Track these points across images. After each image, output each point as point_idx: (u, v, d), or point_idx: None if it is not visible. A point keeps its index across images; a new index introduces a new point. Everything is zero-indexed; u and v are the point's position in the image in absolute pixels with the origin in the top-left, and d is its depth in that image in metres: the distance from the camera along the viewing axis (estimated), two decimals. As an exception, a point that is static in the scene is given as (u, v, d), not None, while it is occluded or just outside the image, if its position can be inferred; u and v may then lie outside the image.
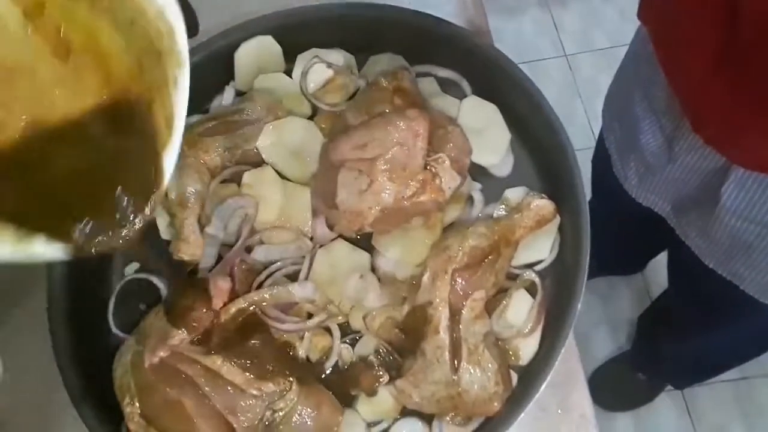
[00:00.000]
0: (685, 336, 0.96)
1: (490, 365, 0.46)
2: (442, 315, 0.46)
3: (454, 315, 0.47)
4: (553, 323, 0.48)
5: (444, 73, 0.62)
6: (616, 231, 0.87)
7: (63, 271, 0.54)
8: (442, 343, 0.46)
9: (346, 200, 0.51)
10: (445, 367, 0.45)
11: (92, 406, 0.48)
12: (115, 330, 0.55)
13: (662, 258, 1.01)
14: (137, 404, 0.46)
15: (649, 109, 0.65)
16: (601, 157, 0.79)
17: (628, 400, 1.28)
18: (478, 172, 0.57)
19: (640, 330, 1.26)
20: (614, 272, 1.33)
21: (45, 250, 0.33)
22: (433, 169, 0.51)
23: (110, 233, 0.35)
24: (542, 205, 0.50)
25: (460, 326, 0.46)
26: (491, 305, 0.50)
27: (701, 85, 0.52)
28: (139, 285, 0.57)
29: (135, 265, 0.58)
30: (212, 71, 0.62)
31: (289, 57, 0.63)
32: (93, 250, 0.34)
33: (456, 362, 0.45)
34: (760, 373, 1.29)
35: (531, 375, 0.47)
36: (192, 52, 0.61)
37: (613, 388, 1.25)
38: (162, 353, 0.47)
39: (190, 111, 0.62)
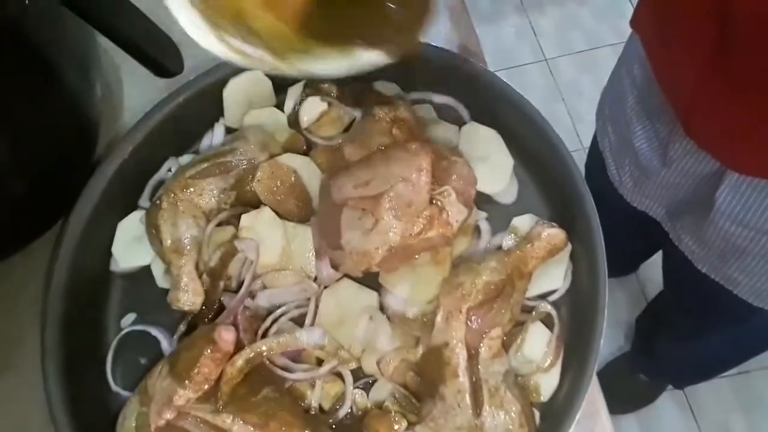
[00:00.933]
0: (682, 337, 0.96)
1: (513, 406, 0.44)
2: (459, 357, 0.45)
3: (472, 355, 0.45)
4: (574, 355, 0.47)
5: (440, 99, 0.61)
6: (610, 234, 0.87)
7: (56, 328, 0.51)
8: (462, 386, 0.44)
9: (351, 241, 0.49)
10: (466, 412, 0.44)
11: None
12: (115, 388, 0.52)
13: (656, 258, 1.01)
14: (145, 471, 0.44)
15: (643, 113, 0.65)
16: (595, 161, 0.79)
17: (630, 402, 1.28)
18: (482, 200, 0.55)
19: (639, 331, 1.26)
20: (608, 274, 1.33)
21: (370, 57, 0.36)
22: (439, 203, 0.50)
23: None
24: (554, 234, 0.49)
25: (479, 367, 0.45)
26: (507, 341, 0.48)
27: (694, 92, 0.52)
28: (137, 337, 0.55)
29: (131, 316, 0.56)
30: (201, 109, 0.60)
31: (280, 90, 0.61)
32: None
33: (477, 406, 0.44)
34: (760, 366, 1.30)
35: (556, 413, 0.46)
36: (178, 91, 0.60)
37: (615, 390, 1.24)
38: (168, 415, 0.44)
39: (181, 151, 0.62)
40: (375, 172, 0.50)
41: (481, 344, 0.46)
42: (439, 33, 0.64)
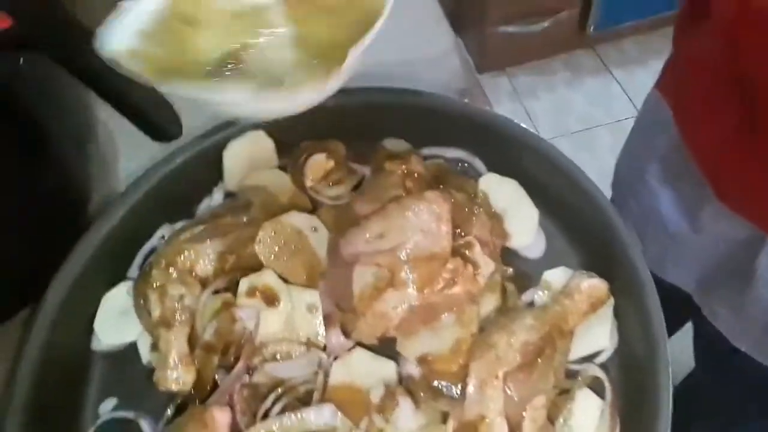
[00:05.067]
0: (721, 425, 0.87)
1: (569, 492, 0.36)
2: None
3: (515, 429, 0.38)
4: (635, 428, 0.40)
5: (453, 153, 0.57)
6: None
7: (21, 415, 0.44)
8: (505, 468, 0.37)
9: (365, 301, 0.43)
10: (514, 501, 0.36)
11: None
12: (88, 488, 0.44)
13: (681, 335, 0.94)
14: None
15: (669, 179, 0.62)
16: None
17: None
18: (507, 255, 0.50)
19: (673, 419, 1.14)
20: None
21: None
22: (463, 256, 0.44)
23: None
24: (595, 285, 0.43)
25: (524, 444, 0.37)
26: (552, 413, 0.41)
27: (723, 155, 0.50)
28: (117, 426, 0.47)
29: (112, 401, 0.49)
30: (198, 173, 0.57)
31: (283, 151, 0.58)
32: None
33: (527, 492, 0.36)
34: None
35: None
36: (174, 153, 0.57)
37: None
38: None
39: (176, 217, 0.57)
40: (389, 223, 0.45)
41: (524, 416, 0.38)
42: (439, 81, 0.61)
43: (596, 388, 0.43)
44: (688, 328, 0.82)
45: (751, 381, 0.66)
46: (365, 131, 0.57)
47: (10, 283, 0.51)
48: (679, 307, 0.67)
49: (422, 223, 0.44)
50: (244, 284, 0.49)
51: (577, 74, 1.83)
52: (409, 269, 0.43)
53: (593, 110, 1.77)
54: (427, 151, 0.57)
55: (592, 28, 1.74)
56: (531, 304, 0.47)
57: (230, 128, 0.57)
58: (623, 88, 1.81)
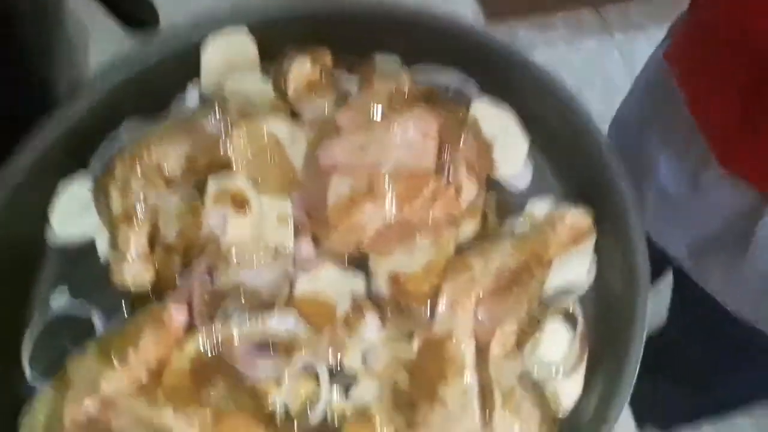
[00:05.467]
0: (688, 380, 0.88)
1: (530, 415, 0.35)
2: (466, 351, 0.36)
3: (481, 352, 0.37)
4: (603, 366, 0.39)
5: (446, 76, 0.54)
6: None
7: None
8: (468, 387, 0.35)
9: (339, 212, 0.41)
10: (473, 419, 0.35)
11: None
12: (30, 378, 0.42)
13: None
14: (52, 480, 0.33)
15: (667, 143, 0.60)
16: None
17: None
18: (491, 185, 0.48)
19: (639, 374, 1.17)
20: None
21: None
22: (447, 177, 0.42)
23: None
24: (579, 217, 0.42)
25: (489, 366, 0.36)
26: (520, 340, 0.40)
27: (731, 120, 0.50)
28: (68, 320, 0.45)
29: (64, 294, 0.46)
30: (173, 69, 0.53)
31: (266, 56, 0.54)
32: None
33: (488, 411, 0.35)
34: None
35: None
36: (148, 46, 0.53)
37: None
38: (90, 404, 0.34)
39: (145, 113, 0.53)
40: (372, 136, 0.43)
41: (492, 339, 0.37)
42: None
43: (568, 320, 0.42)
44: (659, 289, 0.83)
45: (730, 341, 0.67)
46: (354, 44, 0.54)
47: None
48: (657, 269, 0.67)
49: (408, 137, 0.42)
50: (213, 185, 0.46)
51: (578, 34, 1.79)
52: (390, 183, 0.41)
53: (589, 72, 1.74)
54: (418, 70, 0.54)
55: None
56: (510, 233, 0.46)
57: (211, 23, 0.53)
58: (621, 53, 1.78)
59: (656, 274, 0.93)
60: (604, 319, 0.42)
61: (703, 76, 0.53)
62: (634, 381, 0.36)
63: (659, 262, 0.66)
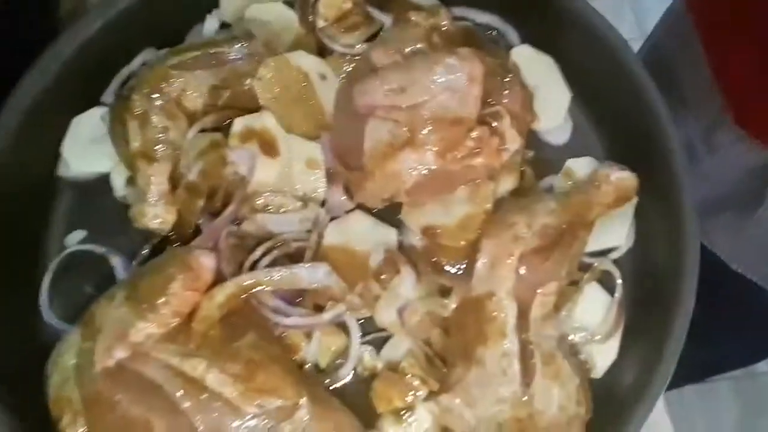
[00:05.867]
0: (689, 338, 0.90)
1: (570, 379, 0.35)
2: (508, 312, 0.35)
3: (522, 314, 0.36)
4: (643, 335, 0.38)
5: (484, 17, 0.50)
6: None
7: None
8: (509, 349, 0.35)
9: (376, 159, 0.39)
10: (513, 381, 0.34)
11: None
12: (49, 319, 0.41)
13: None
14: (83, 424, 0.33)
15: (683, 99, 0.58)
16: None
17: None
18: (528, 138, 0.45)
19: None
20: None
21: None
22: (490, 126, 0.40)
23: None
24: (625, 177, 0.40)
25: (530, 329, 0.35)
26: (558, 302, 0.39)
27: (750, 78, 0.48)
28: (84, 261, 0.43)
29: (79, 234, 0.44)
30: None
31: (291, -15, 0.50)
32: None
33: (528, 375, 0.34)
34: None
35: (615, 399, 0.37)
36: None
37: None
38: (121, 353, 0.33)
39: (161, 42, 0.50)
40: (413, 76, 0.40)
41: (533, 300, 0.36)
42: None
43: (606, 284, 0.41)
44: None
45: (733, 300, 0.67)
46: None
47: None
48: None
49: (451, 80, 0.39)
50: (238, 124, 0.43)
51: None
52: (431, 130, 0.39)
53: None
54: (456, 11, 0.51)
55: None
56: (548, 191, 0.44)
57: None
58: (632, 8, 1.71)
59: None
60: (645, 286, 0.41)
61: (724, 30, 0.51)
62: (680, 350, 0.36)
63: None
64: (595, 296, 0.40)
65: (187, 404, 0.32)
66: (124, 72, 0.48)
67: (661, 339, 0.36)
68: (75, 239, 0.44)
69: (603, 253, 0.42)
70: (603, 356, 0.39)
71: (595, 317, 0.39)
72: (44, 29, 0.49)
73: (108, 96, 0.48)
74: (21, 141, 0.43)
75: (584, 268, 0.41)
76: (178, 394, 0.33)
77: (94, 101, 0.47)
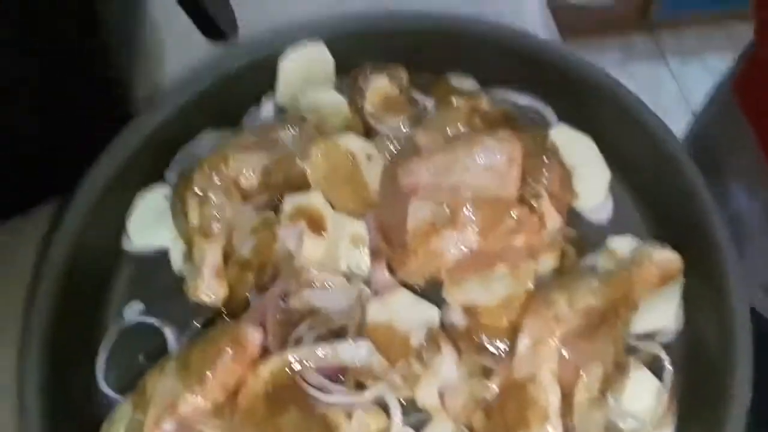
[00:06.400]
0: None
1: (617, 470, 0.34)
2: (550, 395, 0.35)
3: (565, 398, 0.35)
4: (697, 424, 0.37)
5: (522, 99, 0.52)
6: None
7: (44, 309, 0.42)
8: (553, 434, 0.34)
9: (419, 237, 0.40)
10: (557, 470, 0.33)
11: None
12: (105, 389, 0.42)
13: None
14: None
15: (740, 173, 0.58)
16: None
17: None
18: (569, 217, 0.46)
19: None
20: None
21: None
22: (531, 205, 0.41)
23: None
24: (668, 257, 0.40)
25: (575, 414, 0.35)
26: (604, 387, 0.38)
27: None
28: (140, 333, 0.45)
29: (137, 306, 0.47)
30: (250, 80, 0.53)
31: (341, 70, 0.54)
32: None
33: (573, 464, 0.33)
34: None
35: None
36: (229, 55, 0.53)
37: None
38: (169, 425, 0.34)
39: (220, 123, 0.54)
40: (455, 158, 0.42)
41: (578, 384, 0.36)
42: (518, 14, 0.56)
43: (655, 369, 0.40)
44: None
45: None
46: (429, 62, 0.53)
47: (42, 168, 0.48)
48: None
49: (491, 162, 0.41)
50: (289, 203, 0.45)
51: (630, 58, 1.73)
52: (472, 210, 0.40)
53: (642, 98, 1.68)
54: (496, 93, 0.53)
55: (654, 11, 1.64)
56: (591, 270, 0.44)
57: (289, 36, 0.53)
58: (675, 77, 1.72)
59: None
60: (694, 374, 0.39)
61: None
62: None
63: None
64: (645, 382, 0.39)
65: (229, 480, 0.33)
66: (187, 151, 0.52)
67: (716, 424, 0.34)
68: (133, 311, 0.46)
69: (650, 337, 0.41)
70: (655, 446, 0.37)
71: (644, 404, 0.38)
72: (119, 114, 0.53)
73: (170, 174, 0.51)
74: (91, 216, 0.46)
75: (632, 351, 0.40)
76: (222, 469, 0.33)
77: (157, 177, 0.51)
